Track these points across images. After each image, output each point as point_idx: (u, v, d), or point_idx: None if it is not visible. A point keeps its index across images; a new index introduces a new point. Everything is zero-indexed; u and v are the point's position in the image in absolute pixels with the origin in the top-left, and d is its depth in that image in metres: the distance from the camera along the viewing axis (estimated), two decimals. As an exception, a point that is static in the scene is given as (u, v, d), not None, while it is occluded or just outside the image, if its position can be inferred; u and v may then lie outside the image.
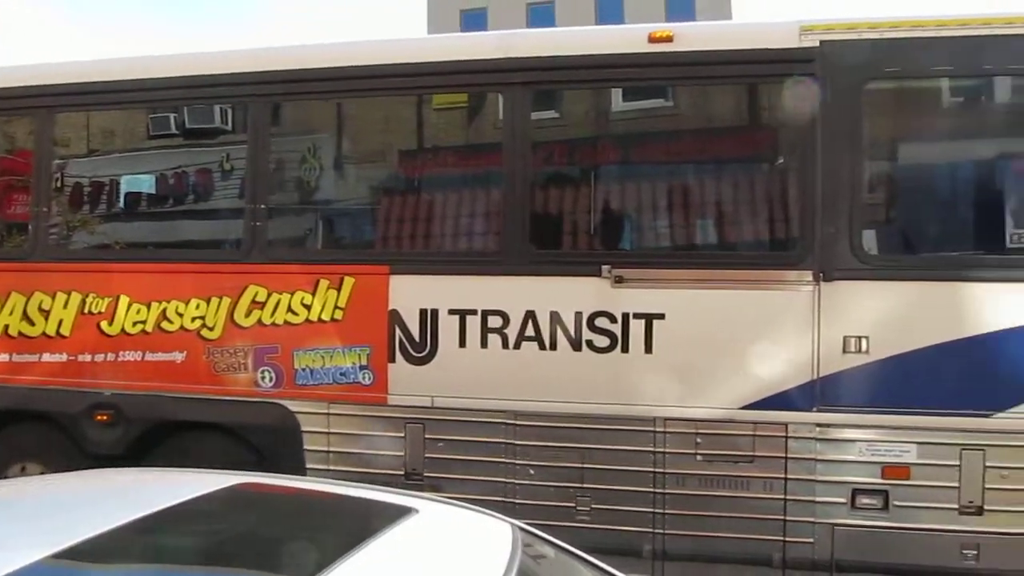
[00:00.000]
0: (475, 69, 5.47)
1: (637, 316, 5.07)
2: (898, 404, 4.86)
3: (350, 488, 3.35)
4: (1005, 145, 5.42)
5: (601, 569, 3.16)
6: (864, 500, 4.92)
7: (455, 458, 5.33)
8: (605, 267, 5.12)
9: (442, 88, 5.84)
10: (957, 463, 4.81)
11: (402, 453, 5.42)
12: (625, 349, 5.09)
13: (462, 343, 5.31)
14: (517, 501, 5.19)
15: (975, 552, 4.82)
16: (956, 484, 4.81)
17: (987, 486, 4.79)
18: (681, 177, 5.58)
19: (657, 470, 5.08)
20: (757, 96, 5.57)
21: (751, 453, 4.99)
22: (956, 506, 4.82)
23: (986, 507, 4.79)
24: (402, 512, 2.83)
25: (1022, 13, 4.92)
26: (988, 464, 4.78)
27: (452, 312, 5.32)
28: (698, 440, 5.05)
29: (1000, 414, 4.78)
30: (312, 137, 6.22)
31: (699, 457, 5.06)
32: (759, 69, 5.18)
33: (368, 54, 5.71)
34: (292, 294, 5.54)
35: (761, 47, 5.10)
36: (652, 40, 5.16)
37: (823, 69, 4.96)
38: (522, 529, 3.06)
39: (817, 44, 4.98)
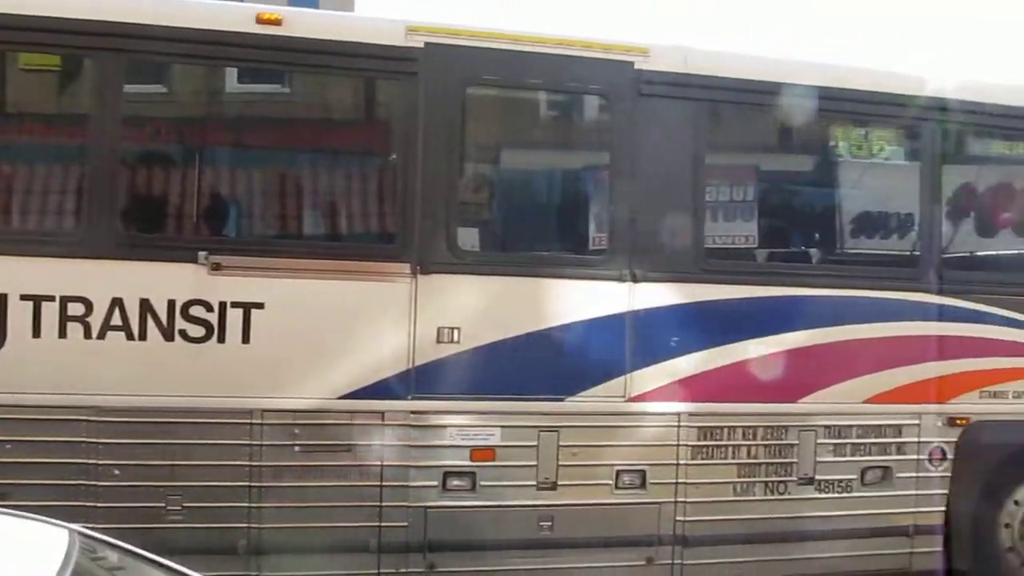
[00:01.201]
0: (64, 28, 4.91)
1: (235, 305, 4.89)
2: (485, 391, 5.21)
3: None
4: (588, 157, 6.03)
5: (176, 571, 3.00)
6: (454, 482, 5.19)
7: (25, 461, 4.78)
8: (202, 253, 4.87)
9: (25, 46, 5.19)
10: (535, 444, 5.25)
11: (-42, 458, 4.75)
12: (222, 339, 4.89)
13: (36, 333, 4.76)
14: (99, 505, 4.79)
15: (550, 523, 5.30)
16: (534, 463, 5.25)
17: (560, 463, 5.28)
18: (287, 165, 5.50)
19: (254, 463, 4.95)
20: (364, 90, 5.65)
21: (349, 442, 5.05)
22: (534, 483, 5.27)
23: (559, 482, 5.29)
24: (-74, 525, 2.48)
25: (599, 39, 5.48)
26: (561, 444, 5.28)
27: (25, 298, 4.76)
28: (296, 431, 5.00)
29: (572, 398, 5.30)
30: None
31: (297, 448, 5.02)
32: (366, 63, 5.23)
33: None
34: None
35: (368, 41, 5.15)
36: (260, 21, 5.01)
37: (426, 70, 5.14)
38: (85, 535, 2.82)
39: (422, 45, 5.15)
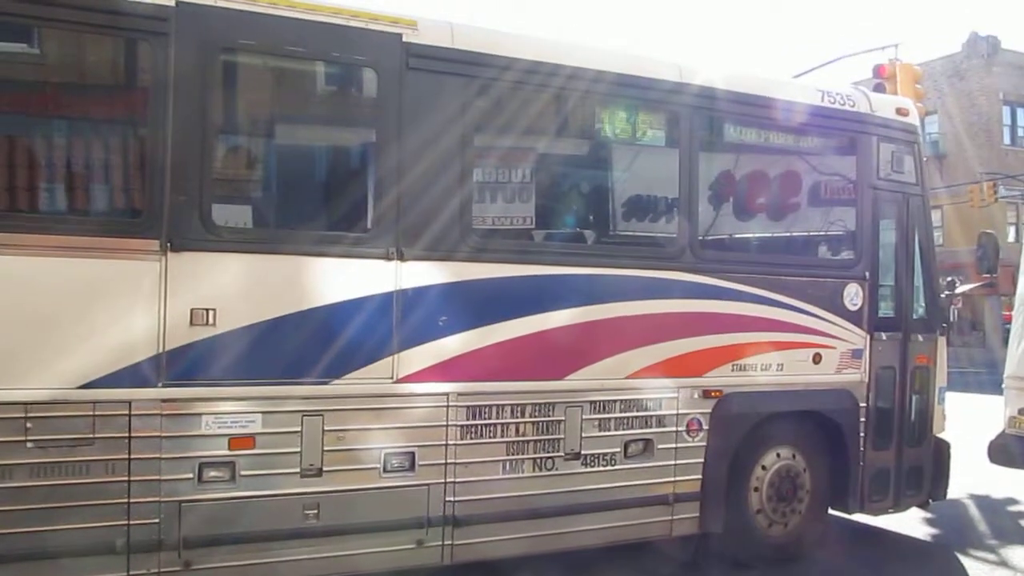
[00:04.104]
0: None
1: None
2: (245, 375, 4.92)
3: None
4: (354, 131, 5.85)
5: None
6: (211, 473, 4.88)
7: None
8: None
9: None
10: (299, 429, 5.03)
11: None
12: None
13: None
14: None
15: (316, 511, 5.11)
16: (298, 449, 5.04)
17: (325, 449, 5.10)
18: (22, 130, 4.93)
19: None
20: (110, 50, 5.14)
21: (91, 435, 4.62)
22: (298, 470, 5.05)
23: (325, 468, 5.10)
24: None
25: (367, 8, 5.29)
26: (326, 428, 5.09)
27: None
28: (28, 425, 4.51)
29: (337, 381, 5.12)
30: None
31: (30, 444, 4.53)
32: (112, 20, 4.73)
33: None
34: None
35: None
36: None
37: (178, 31, 4.77)
38: None
39: (173, 4, 4.77)
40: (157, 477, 4.75)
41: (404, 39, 5.32)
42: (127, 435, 4.68)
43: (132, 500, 4.70)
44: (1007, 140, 38.39)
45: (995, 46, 37.45)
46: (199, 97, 4.85)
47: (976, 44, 37.63)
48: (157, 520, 4.76)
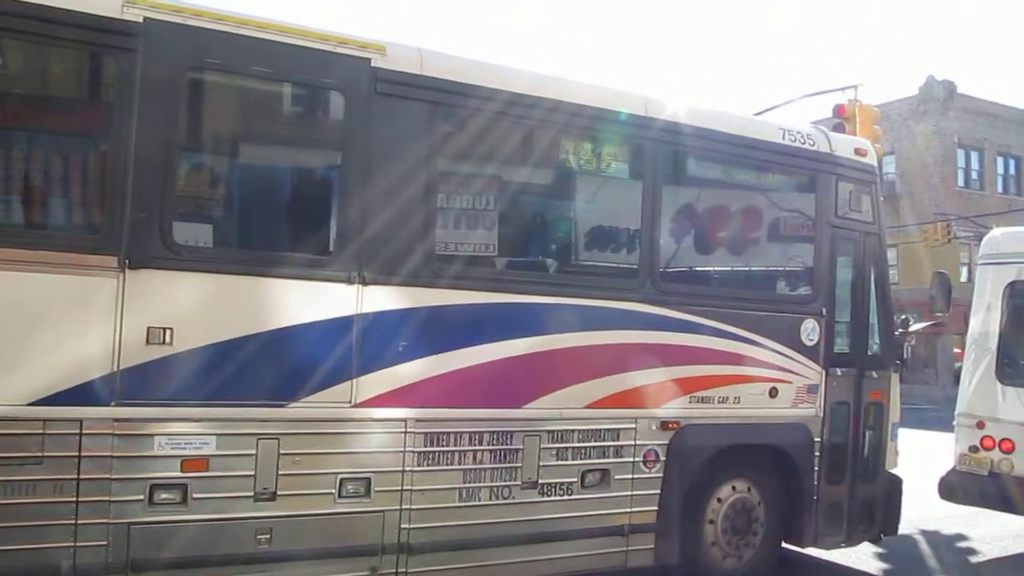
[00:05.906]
0: None
1: None
2: (200, 396, 4.86)
3: None
4: (319, 154, 5.84)
5: None
6: (163, 495, 4.80)
7: None
8: None
9: None
10: (254, 452, 4.96)
11: None
12: None
13: None
14: None
15: (268, 536, 5.03)
16: (252, 472, 4.97)
17: (281, 472, 5.03)
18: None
19: None
20: (75, 64, 5.10)
21: (40, 454, 4.51)
22: (252, 494, 4.98)
23: (279, 492, 5.03)
24: None
25: (336, 32, 5.31)
26: (282, 452, 5.03)
27: None
28: None
29: (295, 404, 5.07)
30: None
31: None
32: (77, 34, 4.70)
33: None
34: None
35: (81, 10, 4.65)
36: None
37: (145, 48, 4.75)
38: None
39: (140, 20, 4.76)
40: (107, 498, 4.65)
41: (373, 64, 5.33)
42: (77, 454, 4.58)
43: (80, 522, 4.60)
44: (961, 182, 39.24)
45: (951, 90, 38.34)
46: (164, 114, 4.82)
47: (933, 88, 38.48)
48: (105, 543, 4.66)
